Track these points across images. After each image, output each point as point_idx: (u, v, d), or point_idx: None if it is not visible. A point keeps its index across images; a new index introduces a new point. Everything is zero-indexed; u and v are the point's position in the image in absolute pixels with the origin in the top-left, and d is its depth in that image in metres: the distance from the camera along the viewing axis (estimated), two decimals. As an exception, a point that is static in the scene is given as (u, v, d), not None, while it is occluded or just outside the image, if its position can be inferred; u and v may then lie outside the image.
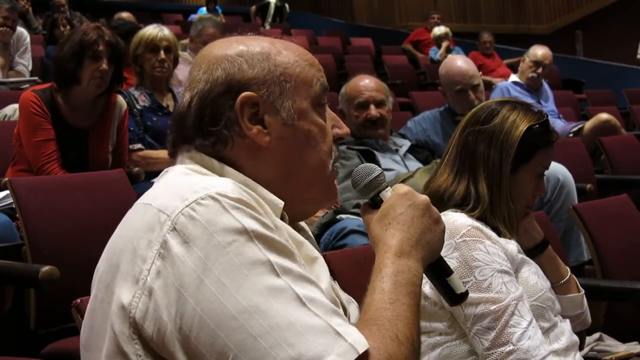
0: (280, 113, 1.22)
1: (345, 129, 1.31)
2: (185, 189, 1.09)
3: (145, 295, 1.04)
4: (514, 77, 5.83)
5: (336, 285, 1.33)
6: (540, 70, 5.62)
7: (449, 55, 4.92)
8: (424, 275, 1.20)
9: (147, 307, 1.04)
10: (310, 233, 1.38)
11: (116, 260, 1.10)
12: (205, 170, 1.20)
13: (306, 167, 1.24)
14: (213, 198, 1.07)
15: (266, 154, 1.21)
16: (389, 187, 1.27)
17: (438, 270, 1.25)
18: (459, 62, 4.16)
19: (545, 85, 5.81)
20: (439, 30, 9.72)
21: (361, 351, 1.00)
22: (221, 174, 1.20)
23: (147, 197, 1.15)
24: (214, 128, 1.20)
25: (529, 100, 5.26)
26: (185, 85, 1.26)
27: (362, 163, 2.29)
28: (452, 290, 1.26)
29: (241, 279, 1.02)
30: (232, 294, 1.01)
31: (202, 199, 1.06)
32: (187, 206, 1.06)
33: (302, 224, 1.36)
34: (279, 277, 1.03)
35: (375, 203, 1.26)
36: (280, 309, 1.00)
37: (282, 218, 1.21)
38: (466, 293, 1.27)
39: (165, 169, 1.24)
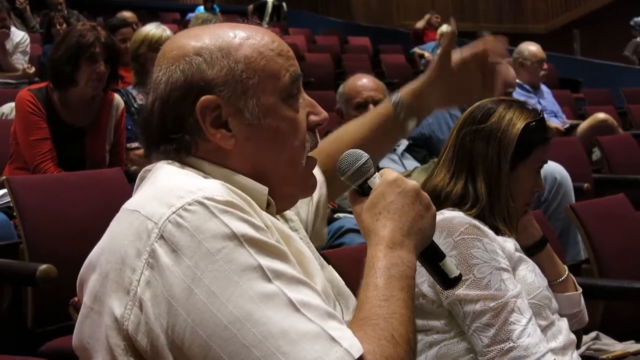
0: (244, 114, 1.15)
1: (322, 115, 1.24)
2: (171, 193, 1.06)
3: (137, 306, 1.02)
4: (513, 77, 5.81)
5: (334, 272, 1.30)
6: (545, 66, 5.61)
7: None
8: (418, 267, 1.18)
9: (139, 319, 1.01)
10: (299, 222, 1.34)
11: (104, 270, 1.07)
12: (187, 169, 1.15)
13: (277, 164, 1.19)
14: (200, 203, 1.03)
15: (233, 156, 1.17)
16: (376, 174, 1.23)
17: (430, 256, 1.24)
18: None
19: (542, 85, 5.81)
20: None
21: (357, 356, 0.98)
22: (202, 170, 1.16)
23: (133, 202, 1.11)
24: (175, 135, 1.15)
25: (532, 100, 5.26)
26: (149, 85, 1.20)
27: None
28: (445, 275, 1.24)
29: (232, 286, 0.99)
30: (223, 303, 0.98)
31: (189, 204, 1.03)
32: (174, 213, 1.02)
33: (291, 214, 1.33)
34: (271, 282, 1.00)
35: (364, 190, 1.22)
36: (272, 316, 0.98)
37: (268, 205, 1.18)
38: (459, 276, 1.25)
39: (146, 168, 1.20)
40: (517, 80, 5.66)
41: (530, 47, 5.64)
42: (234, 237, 1.01)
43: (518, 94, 5.41)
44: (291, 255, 1.08)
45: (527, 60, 5.59)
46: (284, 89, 1.19)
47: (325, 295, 1.12)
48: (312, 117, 1.23)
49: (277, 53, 1.19)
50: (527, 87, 5.58)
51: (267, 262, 1.02)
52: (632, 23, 10.88)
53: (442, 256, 1.24)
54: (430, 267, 1.25)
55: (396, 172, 1.22)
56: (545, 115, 1.97)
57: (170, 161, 1.17)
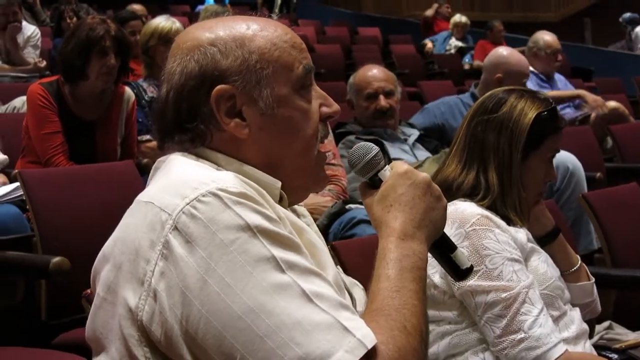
0: (258, 103, 1.17)
1: (334, 107, 1.25)
2: (185, 185, 1.06)
3: (151, 297, 1.02)
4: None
5: (339, 269, 1.31)
6: (560, 57, 5.56)
7: (502, 47, 4.84)
8: (430, 258, 1.18)
9: (154, 309, 1.02)
10: (311, 218, 1.35)
11: (118, 261, 1.08)
12: (201, 161, 1.16)
13: (290, 154, 1.20)
14: (214, 194, 1.03)
15: (247, 146, 1.18)
16: (387, 166, 1.23)
17: (442, 247, 1.24)
18: (512, 53, 4.27)
19: (556, 74, 5.76)
20: (460, 18, 9.67)
21: (370, 346, 0.98)
22: (216, 162, 1.17)
23: (147, 194, 1.12)
24: (190, 124, 1.16)
25: (545, 90, 5.21)
26: (162, 76, 1.21)
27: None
28: (457, 266, 1.24)
29: (246, 277, 0.99)
30: (237, 293, 0.98)
31: (203, 195, 1.03)
32: (187, 204, 1.03)
33: (303, 209, 1.34)
34: (284, 273, 1.01)
35: (374, 183, 1.23)
36: (286, 307, 0.98)
37: (281, 199, 1.18)
38: (471, 268, 1.25)
39: (160, 159, 1.20)
40: (531, 69, 5.63)
41: (546, 37, 5.57)
42: (248, 228, 1.02)
43: (531, 83, 5.38)
44: (304, 246, 1.08)
45: (542, 50, 5.52)
46: (297, 81, 1.20)
47: (337, 286, 1.12)
48: (324, 109, 1.24)
49: (290, 45, 1.21)
50: (541, 76, 5.53)
51: (280, 253, 1.02)
52: (620, 19, 10.79)
53: (453, 248, 1.25)
54: (441, 258, 1.25)
55: (407, 165, 1.22)
56: (560, 105, 1.96)
57: (184, 153, 1.18)
